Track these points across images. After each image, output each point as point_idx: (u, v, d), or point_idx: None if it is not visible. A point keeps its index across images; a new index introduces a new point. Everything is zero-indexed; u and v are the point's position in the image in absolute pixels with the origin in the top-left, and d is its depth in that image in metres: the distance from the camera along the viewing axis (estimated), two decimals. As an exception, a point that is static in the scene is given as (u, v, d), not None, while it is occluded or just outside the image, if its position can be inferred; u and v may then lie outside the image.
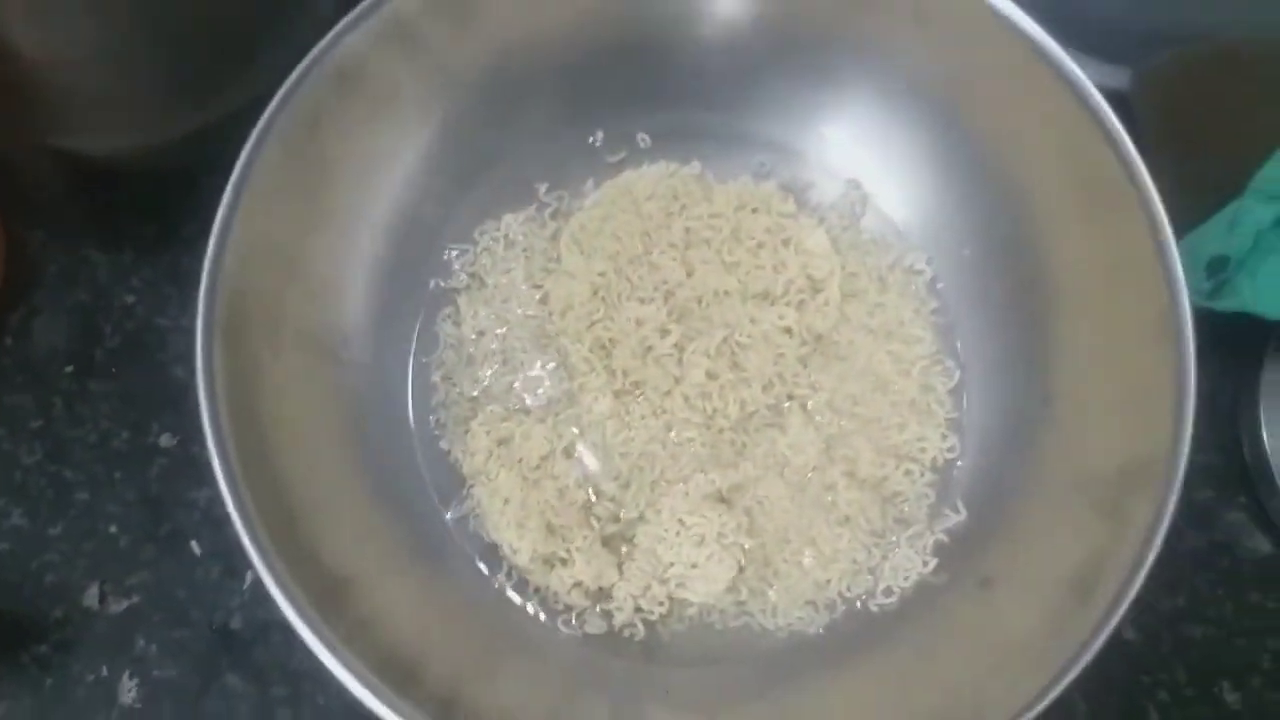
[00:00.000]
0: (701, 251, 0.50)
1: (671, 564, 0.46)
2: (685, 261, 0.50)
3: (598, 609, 0.47)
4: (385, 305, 0.49)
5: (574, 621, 0.46)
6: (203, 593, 0.49)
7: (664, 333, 0.49)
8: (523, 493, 0.47)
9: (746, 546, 0.47)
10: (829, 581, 0.47)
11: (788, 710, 0.43)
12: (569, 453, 0.48)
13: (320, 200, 0.46)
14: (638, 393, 0.49)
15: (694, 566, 0.46)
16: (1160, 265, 0.42)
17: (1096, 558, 0.41)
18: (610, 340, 0.49)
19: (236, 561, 0.49)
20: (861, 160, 0.52)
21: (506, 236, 0.52)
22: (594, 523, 0.47)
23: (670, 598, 0.46)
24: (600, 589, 0.47)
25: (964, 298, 0.50)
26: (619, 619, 0.46)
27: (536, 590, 0.47)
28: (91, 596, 0.48)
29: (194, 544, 0.49)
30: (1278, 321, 0.47)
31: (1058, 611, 0.40)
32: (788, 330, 0.49)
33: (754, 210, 0.51)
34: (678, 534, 0.46)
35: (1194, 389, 0.40)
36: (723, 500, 0.48)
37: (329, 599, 0.39)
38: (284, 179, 0.43)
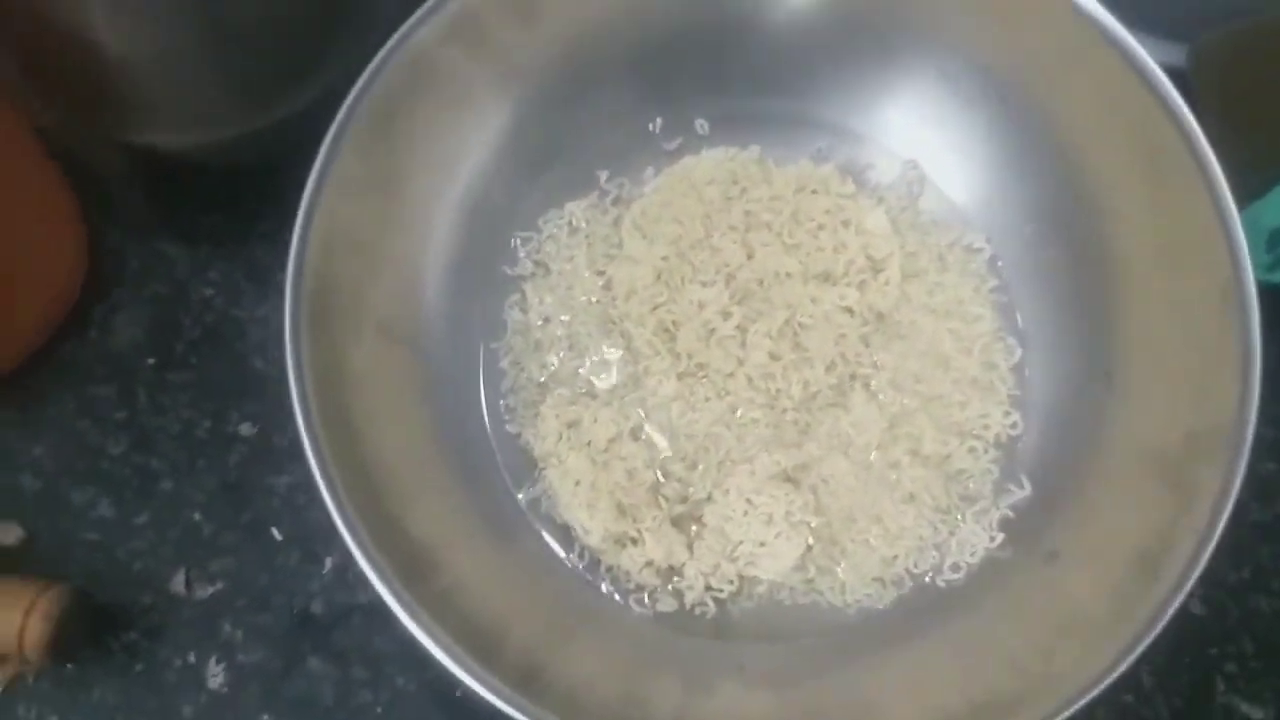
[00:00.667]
0: (762, 234, 0.51)
1: (740, 542, 0.47)
2: (746, 244, 0.50)
3: (669, 587, 0.47)
4: (457, 293, 0.50)
5: (646, 600, 0.47)
6: (283, 578, 0.50)
7: (726, 315, 0.49)
8: (592, 474, 0.47)
9: (813, 524, 0.47)
10: (896, 558, 0.47)
11: (859, 684, 0.44)
12: (636, 435, 0.49)
13: (396, 193, 0.47)
14: (702, 375, 0.49)
15: (762, 545, 0.47)
16: (1223, 236, 0.42)
17: (1163, 530, 0.41)
18: (673, 323, 0.50)
19: (316, 547, 0.50)
20: (920, 140, 0.52)
21: (570, 223, 0.52)
22: (663, 503, 0.48)
23: (740, 576, 0.47)
24: (670, 568, 0.47)
25: (1024, 275, 0.51)
26: (690, 597, 0.47)
27: (609, 569, 0.48)
28: (178, 583, 0.49)
29: (274, 530, 0.50)
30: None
31: (1125, 585, 0.41)
32: (849, 310, 0.49)
33: (813, 192, 0.51)
34: (745, 513, 0.47)
35: (1260, 357, 0.40)
36: (789, 480, 0.48)
37: (413, 573, 0.40)
38: (361, 173, 0.44)
